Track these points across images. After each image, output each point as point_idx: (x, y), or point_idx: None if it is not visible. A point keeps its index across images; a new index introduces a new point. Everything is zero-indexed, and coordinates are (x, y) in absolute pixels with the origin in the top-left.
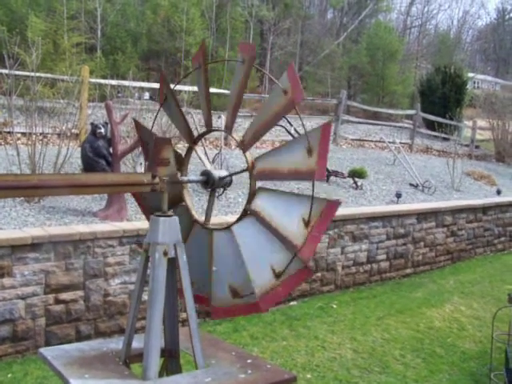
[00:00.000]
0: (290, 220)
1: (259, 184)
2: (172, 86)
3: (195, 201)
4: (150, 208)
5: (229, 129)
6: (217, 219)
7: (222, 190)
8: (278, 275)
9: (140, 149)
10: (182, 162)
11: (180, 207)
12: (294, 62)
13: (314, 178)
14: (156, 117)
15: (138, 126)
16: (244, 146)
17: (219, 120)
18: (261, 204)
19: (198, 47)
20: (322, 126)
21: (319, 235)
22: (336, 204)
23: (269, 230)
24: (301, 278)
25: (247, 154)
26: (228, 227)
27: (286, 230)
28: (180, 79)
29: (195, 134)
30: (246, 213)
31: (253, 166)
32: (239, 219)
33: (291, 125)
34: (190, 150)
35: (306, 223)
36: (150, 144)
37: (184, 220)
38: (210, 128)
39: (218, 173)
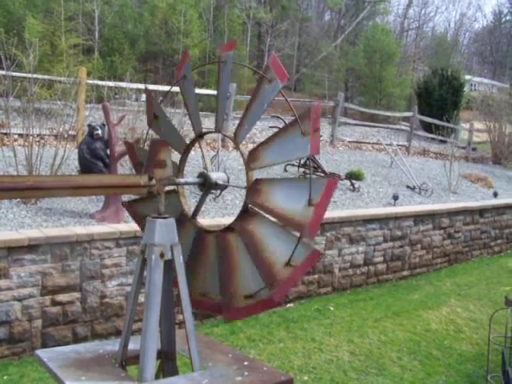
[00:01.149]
0: (291, 204)
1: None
2: (169, 87)
3: (192, 203)
4: (141, 216)
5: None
6: (213, 221)
7: (219, 192)
8: (286, 263)
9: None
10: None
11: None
12: (292, 64)
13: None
14: (148, 132)
15: (131, 148)
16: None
17: None
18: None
19: (181, 57)
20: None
21: (323, 210)
22: (335, 181)
23: (270, 222)
24: (310, 261)
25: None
26: (229, 227)
27: (289, 214)
28: (176, 81)
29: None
30: (246, 208)
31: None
32: (239, 218)
33: (286, 123)
34: (185, 153)
35: (309, 203)
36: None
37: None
38: (201, 132)
39: (216, 175)
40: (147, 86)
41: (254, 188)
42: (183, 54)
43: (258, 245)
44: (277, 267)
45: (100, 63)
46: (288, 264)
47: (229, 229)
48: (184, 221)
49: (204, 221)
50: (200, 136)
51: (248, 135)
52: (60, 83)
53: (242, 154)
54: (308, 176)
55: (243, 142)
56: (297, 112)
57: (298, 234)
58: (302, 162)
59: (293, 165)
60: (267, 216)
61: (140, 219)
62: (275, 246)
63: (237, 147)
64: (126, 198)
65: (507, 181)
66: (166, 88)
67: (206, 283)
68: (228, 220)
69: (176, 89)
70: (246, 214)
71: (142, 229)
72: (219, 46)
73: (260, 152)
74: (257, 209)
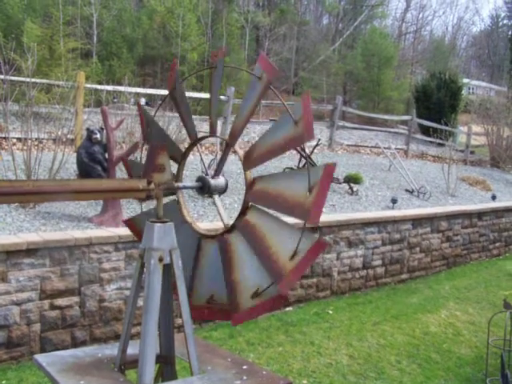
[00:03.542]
0: (292, 194)
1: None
2: (167, 91)
3: (191, 206)
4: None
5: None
6: (212, 225)
7: (218, 195)
8: (292, 255)
9: (135, 154)
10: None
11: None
12: (290, 68)
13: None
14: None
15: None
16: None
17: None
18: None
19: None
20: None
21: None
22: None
23: (272, 216)
24: (317, 249)
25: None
26: (231, 227)
27: (290, 203)
28: (165, 98)
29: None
30: (247, 206)
31: (251, 185)
32: (240, 216)
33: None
34: (184, 155)
35: (292, 256)
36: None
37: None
38: (212, 133)
39: (214, 180)
40: (140, 99)
41: (252, 185)
42: (172, 65)
43: (262, 240)
44: (283, 260)
45: (98, 67)
46: (294, 256)
47: (231, 229)
48: (184, 226)
49: (203, 224)
50: (196, 141)
51: (246, 140)
52: (58, 87)
53: (238, 154)
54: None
55: (241, 146)
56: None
57: (301, 226)
58: (301, 165)
59: (291, 168)
60: (268, 211)
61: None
62: (279, 239)
63: (231, 146)
64: (124, 201)
65: (505, 184)
66: (165, 92)
67: (211, 288)
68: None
69: None
70: (246, 211)
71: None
72: (212, 53)
73: (255, 148)
74: (257, 205)
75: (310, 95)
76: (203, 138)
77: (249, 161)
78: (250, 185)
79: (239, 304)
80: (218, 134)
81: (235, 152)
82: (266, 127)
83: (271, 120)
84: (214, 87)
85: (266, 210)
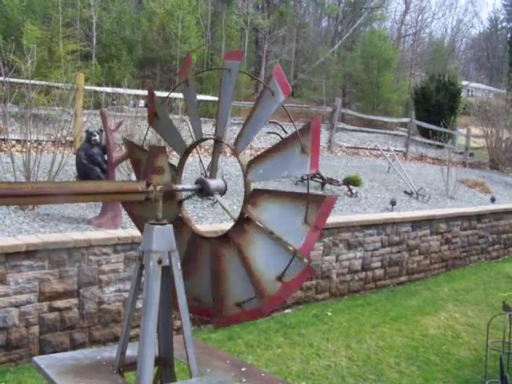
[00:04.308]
0: (287, 223)
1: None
2: (167, 93)
3: (190, 209)
4: (141, 218)
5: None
6: (211, 227)
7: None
8: (278, 277)
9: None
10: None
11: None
12: (289, 70)
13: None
14: (147, 132)
15: (130, 145)
16: (248, 175)
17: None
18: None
19: (184, 60)
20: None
21: (318, 229)
22: (333, 199)
23: (266, 234)
24: (303, 277)
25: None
26: (225, 235)
27: (283, 233)
28: (175, 87)
29: (190, 141)
30: (243, 217)
31: (250, 197)
32: (235, 227)
33: (286, 132)
34: (183, 158)
35: (304, 221)
36: (142, 161)
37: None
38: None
39: (213, 182)
40: (140, 101)
41: (251, 199)
42: (187, 55)
43: (252, 255)
44: (268, 280)
45: (98, 69)
46: (279, 278)
47: (224, 237)
48: (181, 226)
49: (202, 227)
50: (197, 142)
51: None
52: (58, 89)
53: (242, 165)
54: (307, 183)
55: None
56: (294, 118)
57: (292, 249)
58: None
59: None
60: (263, 227)
61: (140, 222)
62: (269, 257)
63: (236, 156)
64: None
65: (504, 186)
66: (164, 94)
67: (199, 288)
68: (226, 226)
69: (174, 94)
70: (242, 223)
71: (142, 231)
72: (224, 52)
73: (259, 164)
74: (253, 219)
75: (319, 121)
76: (204, 139)
77: (251, 175)
78: (249, 196)
79: (223, 309)
80: (223, 139)
81: (235, 155)
82: (266, 129)
83: (271, 122)
84: (226, 92)
85: (261, 225)
